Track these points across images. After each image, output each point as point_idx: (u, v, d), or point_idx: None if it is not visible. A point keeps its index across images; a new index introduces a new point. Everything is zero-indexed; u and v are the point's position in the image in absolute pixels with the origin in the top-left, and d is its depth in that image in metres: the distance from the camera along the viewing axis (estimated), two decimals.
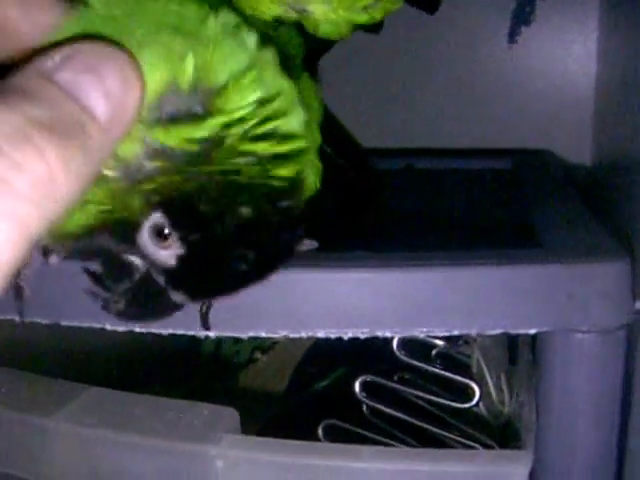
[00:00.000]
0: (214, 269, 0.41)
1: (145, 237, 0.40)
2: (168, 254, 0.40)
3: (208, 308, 0.49)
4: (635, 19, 0.83)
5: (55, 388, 0.53)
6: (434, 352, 0.70)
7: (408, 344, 0.67)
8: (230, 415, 0.50)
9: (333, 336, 0.50)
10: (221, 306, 0.49)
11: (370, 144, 1.05)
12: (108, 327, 0.52)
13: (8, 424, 0.52)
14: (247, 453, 0.47)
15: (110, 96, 0.31)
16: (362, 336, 0.49)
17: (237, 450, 0.47)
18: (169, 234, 0.40)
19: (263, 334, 0.50)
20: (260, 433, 0.51)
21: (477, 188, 0.88)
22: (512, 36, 1.04)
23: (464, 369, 0.69)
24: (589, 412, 0.52)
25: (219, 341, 0.92)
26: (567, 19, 1.03)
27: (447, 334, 0.50)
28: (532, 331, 0.50)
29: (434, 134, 1.08)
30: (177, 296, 0.42)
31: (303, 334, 0.50)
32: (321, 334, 0.50)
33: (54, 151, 0.28)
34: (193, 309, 0.49)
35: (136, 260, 0.42)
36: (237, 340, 0.92)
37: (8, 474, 0.53)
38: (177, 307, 0.43)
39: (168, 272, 0.41)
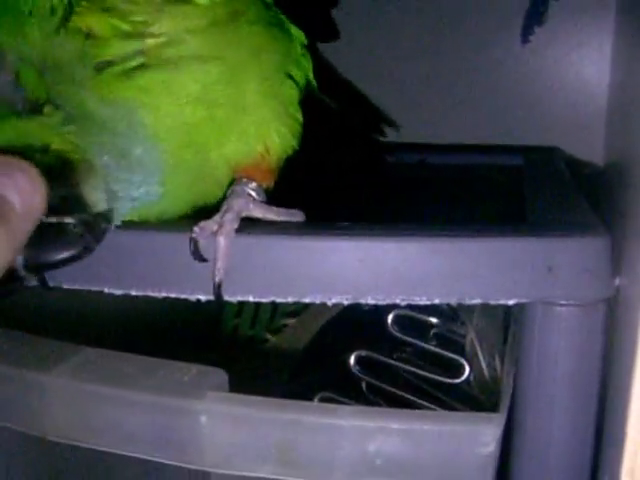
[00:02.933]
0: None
1: None
2: None
3: (221, 282, 0.51)
4: None
5: (54, 347, 0.56)
6: (432, 332, 0.72)
7: (403, 321, 0.69)
8: (218, 374, 0.52)
9: (318, 302, 0.52)
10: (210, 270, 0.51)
11: (386, 139, 1.08)
12: (106, 290, 0.55)
13: (8, 380, 0.54)
14: (230, 409, 0.49)
15: (23, 193, 0.39)
16: (345, 302, 0.51)
17: (221, 406, 0.49)
18: None
19: (251, 298, 0.52)
20: None
21: (486, 182, 0.90)
22: (525, 36, 1.05)
23: (459, 349, 0.71)
24: (566, 383, 0.53)
25: (237, 324, 0.95)
26: (582, 19, 1.04)
27: (428, 303, 0.51)
28: (511, 302, 0.51)
29: (447, 130, 1.10)
30: None
31: (290, 299, 0.52)
32: (307, 299, 0.52)
33: None
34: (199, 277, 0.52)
35: None
36: (253, 323, 0.95)
37: (7, 428, 0.55)
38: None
39: None
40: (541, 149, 0.99)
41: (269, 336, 0.93)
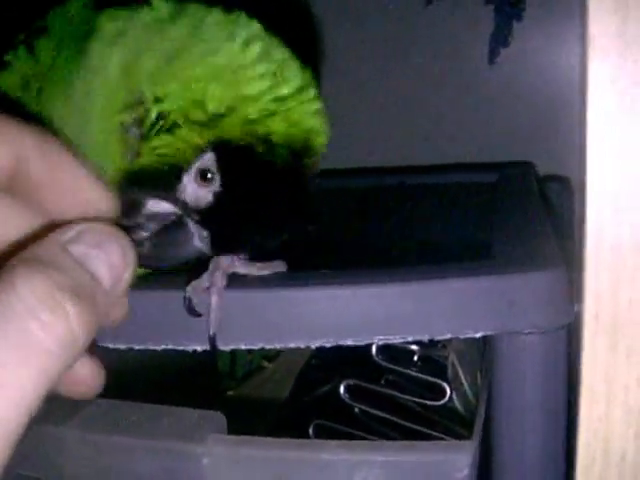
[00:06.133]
0: (245, 218, 0.50)
1: (191, 177, 0.49)
2: (206, 193, 0.49)
3: (215, 334, 0.56)
4: None
5: (67, 400, 0.61)
6: (416, 356, 0.77)
7: (387, 350, 0.74)
8: (217, 418, 0.57)
9: (302, 346, 0.57)
10: (204, 323, 0.56)
11: (365, 164, 1.13)
12: (110, 346, 0.60)
13: (27, 433, 0.59)
14: (229, 450, 0.55)
15: (113, 269, 0.38)
16: (327, 345, 0.56)
17: (220, 448, 0.55)
18: (212, 176, 0.49)
19: (242, 347, 0.57)
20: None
21: (461, 202, 0.94)
22: (492, 57, 1.10)
23: (443, 370, 0.76)
24: (535, 405, 0.58)
25: (234, 351, 1.00)
26: (548, 34, 1.08)
27: (402, 340, 0.56)
28: (478, 335, 0.56)
29: (424, 152, 1.15)
30: (202, 240, 0.51)
31: (276, 345, 0.57)
32: (292, 345, 0.56)
33: (75, 313, 0.34)
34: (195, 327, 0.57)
35: (169, 206, 0.51)
36: (250, 350, 0.99)
37: (27, 476, 0.60)
38: (195, 257, 0.52)
39: (201, 212, 0.50)
40: (514, 165, 1.03)
41: (265, 363, 0.98)
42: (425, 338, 0.56)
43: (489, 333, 0.56)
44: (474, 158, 1.11)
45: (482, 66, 1.12)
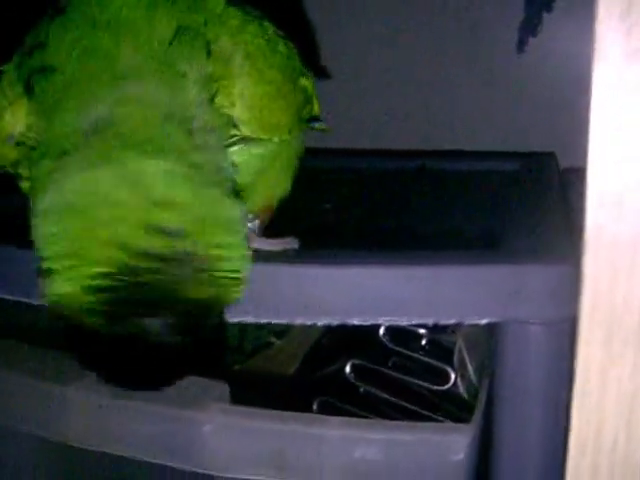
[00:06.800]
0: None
1: None
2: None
3: None
4: None
5: (73, 362, 0.62)
6: (424, 340, 0.77)
7: (396, 333, 0.74)
8: (220, 387, 0.58)
9: (309, 323, 0.57)
10: None
11: (387, 145, 1.13)
12: None
13: (34, 392, 0.60)
14: (230, 419, 0.56)
15: None
16: (334, 323, 0.57)
17: (222, 416, 0.56)
18: None
19: (249, 320, 0.58)
20: None
21: (480, 189, 0.94)
22: (521, 46, 1.10)
23: (450, 356, 0.76)
24: (538, 395, 0.58)
25: (244, 326, 1.00)
26: (578, 25, 1.08)
27: (407, 323, 0.57)
28: (483, 322, 0.57)
29: (447, 137, 1.15)
30: None
31: (283, 321, 0.58)
32: (298, 321, 0.57)
33: None
34: None
35: None
36: (260, 326, 1.00)
37: (33, 434, 0.61)
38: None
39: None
40: (536, 156, 1.03)
41: (274, 339, 0.98)
42: (430, 322, 0.57)
43: (494, 320, 0.57)
44: (498, 146, 1.11)
45: (511, 55, 1.11)
